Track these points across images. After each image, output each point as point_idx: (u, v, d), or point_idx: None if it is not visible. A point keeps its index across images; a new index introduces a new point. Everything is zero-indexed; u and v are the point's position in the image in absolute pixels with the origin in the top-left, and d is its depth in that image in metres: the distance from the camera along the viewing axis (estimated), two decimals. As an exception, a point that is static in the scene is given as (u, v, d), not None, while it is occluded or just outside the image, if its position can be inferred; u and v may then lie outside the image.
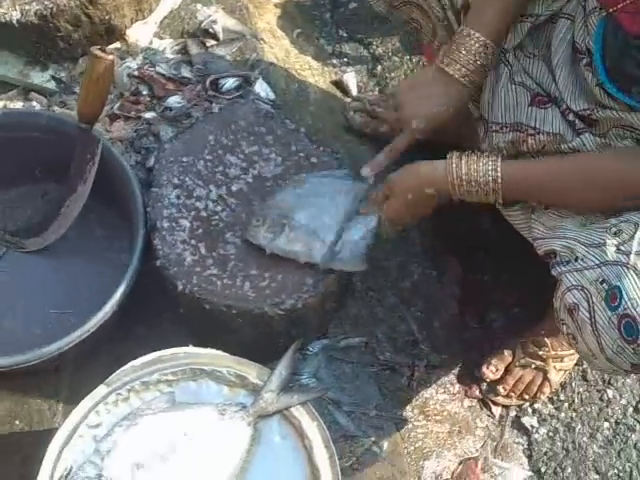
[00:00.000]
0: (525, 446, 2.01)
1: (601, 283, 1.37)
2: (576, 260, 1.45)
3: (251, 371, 1.66)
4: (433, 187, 1.66)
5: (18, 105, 2.25)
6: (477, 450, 1.96)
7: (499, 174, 1.58)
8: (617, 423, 2.04)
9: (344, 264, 1.78)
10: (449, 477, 1.91)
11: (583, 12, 1.53)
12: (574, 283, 1.44)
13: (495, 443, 1.98)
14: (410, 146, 1.79)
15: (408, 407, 1.96)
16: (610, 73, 1.46)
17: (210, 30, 2.43)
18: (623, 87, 1.45)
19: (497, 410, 2.03)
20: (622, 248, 1.38)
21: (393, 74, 2.59)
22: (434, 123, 1.73)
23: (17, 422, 1.86)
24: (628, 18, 1.41)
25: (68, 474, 1.50)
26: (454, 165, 1.62)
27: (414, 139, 1.77)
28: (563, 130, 1.57)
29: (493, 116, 1.69)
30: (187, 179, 1.91)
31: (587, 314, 1.39)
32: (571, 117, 1.58)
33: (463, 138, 2.01)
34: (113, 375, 1.62)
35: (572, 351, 1.97)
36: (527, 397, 2.04)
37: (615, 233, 1.42)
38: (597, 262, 1.41)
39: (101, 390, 1.60)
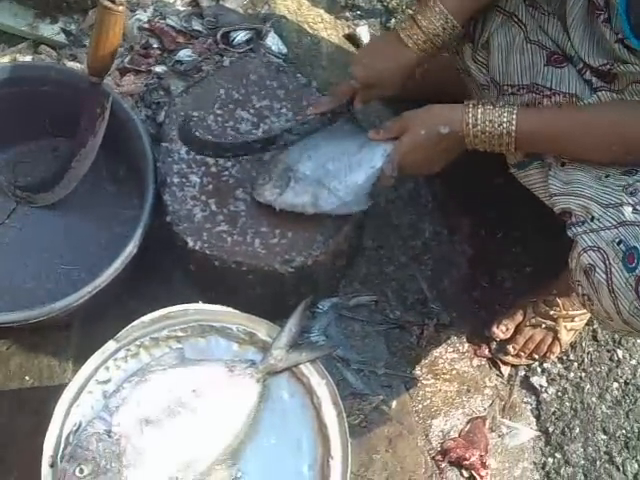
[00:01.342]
0: (533, 406, 2.00)
1: (618, 244, 1.37)
2: (592, 220, 1.44)
3: (260, 328, 1.66)
4: (448, 127, 1.63)
5: (28, 58, 2.24)
6: (485, 409, 1.96)
7: (514, 127, 1.55)
8: (626, 383, 2.04)
9: (350, 207, 1.76)
10: (457, 436, 1.91)
11: None
12: (590, 244, 1.43)
13: (503, 402, 1.98)
14: (350, 94, 1.77)
15: (417, 366, 1.97)
16: (635, 28, 1.43)
17: (221, -20, 2.41)
18: None
19: (506, 370, 2.03)
20: (639, 208, 1.38)
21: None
22: (375, 79, 1.72)
23: (27, 377, 1.87)
24: None
25: (77, 429, 1.51)
26: (470, 114, 1.59)
27: (354, 88, 1.75)
28: (580, 90, 1.56)
29: (508, 78, 1.66)
30: (197, 134, 1.89)
31: (604, 275, 1.39)
32: (588, 75, 1.56)
33: (448, 95, 2.00)
34: (123, 331, 1.62)
35: (583, 311, 1.96)
36: (537, 357, 2.03)
37: (632, 193, 1.42)
38: (614, 223, 1.40)
39: (110, 346, 1.61)
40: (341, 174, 1.74)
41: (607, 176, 1.50)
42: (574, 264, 1.49)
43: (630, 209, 1.39)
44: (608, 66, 1.51)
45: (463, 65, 1.80)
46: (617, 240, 1.37)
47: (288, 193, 1.76)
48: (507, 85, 1.67)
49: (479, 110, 1.58)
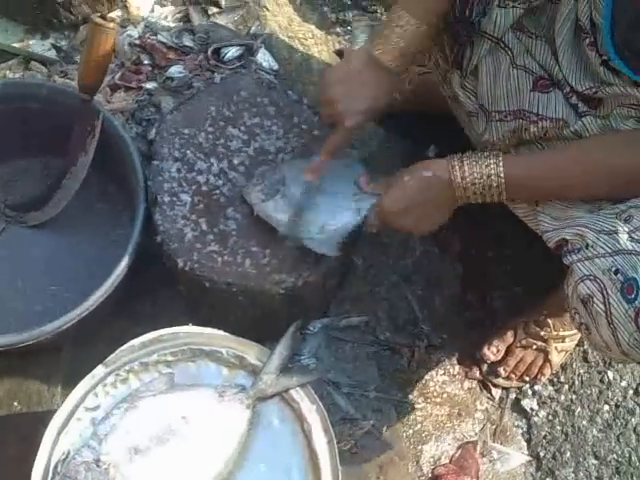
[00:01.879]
0: (524, 429, 2.00)
1: (615, 273, 1.35)
2: (587, 247, 1.43)
3: (250, 351, 1.66)
4: (431, 171, 1.60)
5: (18, 75, 2.24)
6: (476, 434, 1.96)
7: (502, 179, 1.54)
8: (617, 406, 2.04)
9: (317, 246, 1.73)
10: (448, 461, 1.91)
11: None
12: (586, 273, 1.41)
13: (494, 426, 1.98)
14: (346, 144, 1.74)
15: (408, 389, 1.96)
16: (619, 49, 1.43)
17: (212, -4, 2.41)
18: (632, 63, 1.41)
19: (497, 392, 2.02)
20: (635, 236, 1.36)
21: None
22: (369, 117, 1.68)
23: (15, 403, 1.86)
24: None
25: (66, 458, 1.50)
26: (457, 167, 1.57)
27: (349, 137, 1.71)
28: (566, 114, 1.55)
29: (495, 105, 1.65)
30: (188, 152, 1.88)
31: (602, 306, 1.37)
32: (574, 100, 1.55)
33: (438, 108, 2.03)
34: (112, 355, 1.61)
35: (574, 332, 1.97)
36: (527, 379, 2.03)
37: (626, 220, 1.40)
38: (609, 250, 1.38)
39: (99, 370, 1.60)
40: (324, 212, 1.74)
41: (600, 209, 1.49)
42: (570, 292, 1.48)
43: (626, 236, 1.37)
44: (594, 89, 1.51)
45: (451, 92, 1.79)
46: (614, 269, 1.36)
47: (270, 204, 1.75)
48: (495, 112, 1.65)
49: (465, 162, 1.57)
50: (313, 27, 2.52)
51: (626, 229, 1.38)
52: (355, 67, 1.65)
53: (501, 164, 1.54)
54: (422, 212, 1.65)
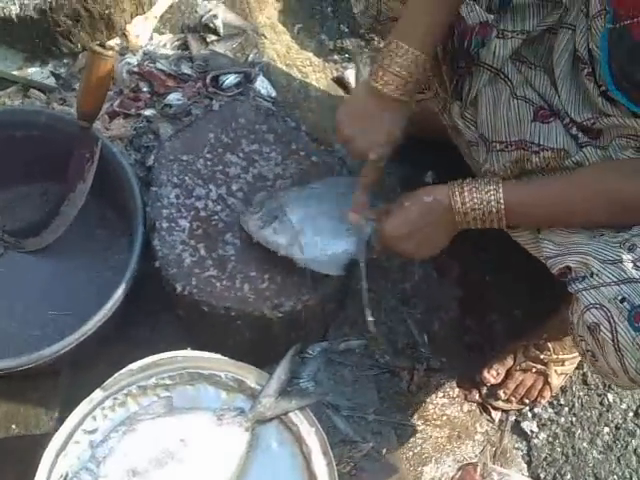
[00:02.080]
0: (524, 451, 2.00)
1: (621, 302, 1.35)
2: (592, 276, 1.43)
3: (249, 375, 1.65)
4: (432, 196, 1.61)
5: (17, 102, 2.24)
6: (476, 455, 1.95)
7: (502, 205, 1.54)
8: (617, 428, 2.03)
9: (319, 267, 1.74)
10: (448, 484, 1.91)
11: (585, 19, 1.48)
12: (592, 302, 1.41)
13: (494, 448, 1.97)
14: (379, 175, 1.73)
15: (407, 411, 1.96)
16: (616, 79, 1.43)
17: (210, 25, 2.42)
18: (630, 94, 1.42)
19: (497, 415, 2.02)
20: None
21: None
22: (390, 147, 1.67)
23: (13, 426, 1.85)
24: (638, 28, 1.37)
25: (64, 481, 1.49)
26: (457, 192, 1.57)
27: (380, 168, 1.71)
28: (567, 145, 1.55)
29: (496, 135, 1.66)
30: (187, 178, 1.89)
31: (609, 334, 1.37)
32: (574, 130, 1.55)
33: (431, 133, 2.07)
34: (110, 379, 1.61)
35: (574, 354, 1.96)
36: (527, 401, 2.03)
37: (629, 248, 1.40)
38: (614, 279, 1.38)
39: (98, 394, 1.60)
40: (325, 235, 1.75)
41: (602, 235, 1.49)
42: (576, 320, 1.47)
43: (631, 265, 1.37)
44: (592, 120, 1.51)
45: (451, 122, 1.79)
46: (620, 297, 1.36)
47: (268, 229, 1.75)
48: (495, 142, 1.66)
49: (465, 188, 1.57)
50: (311, 55, 2.53)
51: (630, 258, 1.39)
52: (363, 102, 1.65)
53: (501, 190, 1.55)
54: (423, 237, 1.66)
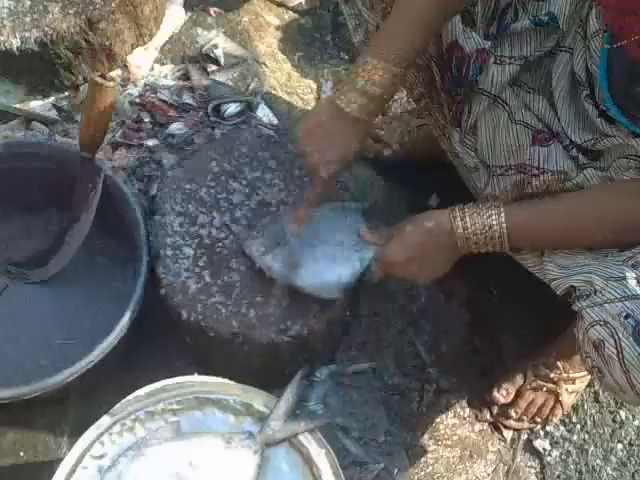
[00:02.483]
0: (538, 470, 1.98)
1: (626, 318, 1.35)
2: (595, 293, 1.43)
3: (257, 398, 1.65)
4: (433, 220, 1.62)
5: (20, 134, 2.25)
6: (489, 474, 1.94)
7: (505, 229, 1.55)
8: (631, 444, 2.02)
9: (318, 293, 1.74)
10: (461, 503, 1.89)
11: (583, 41, 1.49)
12: (596, 319, 1.41)
13: (507, 467, 1.96)
14: (328, 189, 1.73)
15: (418, 432, 1.94)
16: (615, 98, 1.44)
17: (211, 54, 2.44)
18: (629, 113, 1.42)
19: (508, 434, 2.01)
20: None
21: (395, 96, 2.57)
22: (342, 165, 1.66)
23: (22, 453, 1.84)
24: (637, 48, 1.37)
25: (73, 507, 1.48)
26: (458, 218, 1.58)
27: (328, 186, 1.71)
28: (567, 166, 1.55)
29: (496, 160, 1.66)
30: (190, 206, 1.90)
31: (614, 350, 1.37)
32: (574, 152, 1.56)
33: (434, 158, 2.08)
34: (118, 405, 1.60)
35: (584, 373, 1.95)
36: (539, 420, 2.01)
37: (633, 265, 1.41)
38: (618, 296, 1.39)
39: (105, 420, 1.59)
40: (324, 262, 1.75)
41: (605, 255, 1.49)
42: (582, 337, 1.47)
43: (634, 282, 1.38)
44: (592, 141, 1.52)
45: (451, 149, 1.80)
46: (624, 314, 1.36)
47: (269, 255, 1.76)
48: (496, 166, 1.66)
49: (467, 213, 1.58)
50: (311, 82, 2.55)
51: (634, 275, 1.39)
52: (321, 117, 1.64)
53: (503, 214, 1.55)
54: (424, 262, 1.66)
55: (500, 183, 1.65)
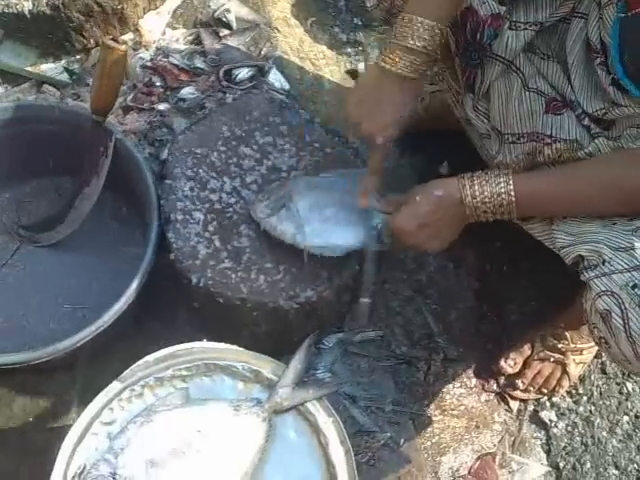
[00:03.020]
0: (543, 441, 1.99)
1: (633, 288, 1.36)
2: (604, 263, 1.43)
3: (266, 366, 1.65)
4: (442, 189, 1.61)
5: (31, 97, 2.25)
6: (495, 445, 1.94)
7: (513, 198, 1.55)
8: (637, 417, 2.02)
9: (321, 250, 1.75)
10: (466, 473, 1.89)
11: (597, 8, 1.48)
12: (603, 289, 1.41)
13: (513, 438, 1.97)
14: (386, 159, 1.73)
15: (425, 402, 1.95)
16: (628, 69, 1.43)
17: (223, 19, 2.43)
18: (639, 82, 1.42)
19: (515, 404, 2.01)
20: None
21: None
22: (398, 129, 1.66)
23: (31, 419, 1.85)
24: None
25: (82, 472, 1.49)
26: (467, 186, 1.58)
27: (386, 151, 1.71)
28: (579, 136, 1.55)
29: (509, 127, 1.65)
30: (201, 171, 1.90)
31: (620, 321, 1.37)
32: (586, 121, 1.55)
33: (449, 126, 2.05)
34: (127, 371, 1.61)
35: (591, 344, 1.95)
36: (545, 391, 2.01)
37: None
38: (626, 266, 1.39)
39: (115, 386, 1.59)
40: (332, 223, 1.76)
41: (614, 223, 1.49)
42: (589, 307, 1.48)
43: None
44: (604, 110, 1.51)
45: (464, 114, 1.79)
46: (631, 284, 1.36)
47: (275, 217, 1.76)
48: (508, 134, 1.65)
49: (475, 181, 1.58)
50: (324, 48, 2.53)
51: None
52: (371, 85, 1.65)
53: (511, 183, 1.55)
54: (433, 230, 1.66)
55: (512, 151, 1.65)
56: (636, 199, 1.46)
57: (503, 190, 1.55)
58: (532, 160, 1.62)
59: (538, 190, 1.58)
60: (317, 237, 1.74)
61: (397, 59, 1.56)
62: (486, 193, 1.56)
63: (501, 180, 1.55)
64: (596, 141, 1.53)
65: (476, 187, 1.57)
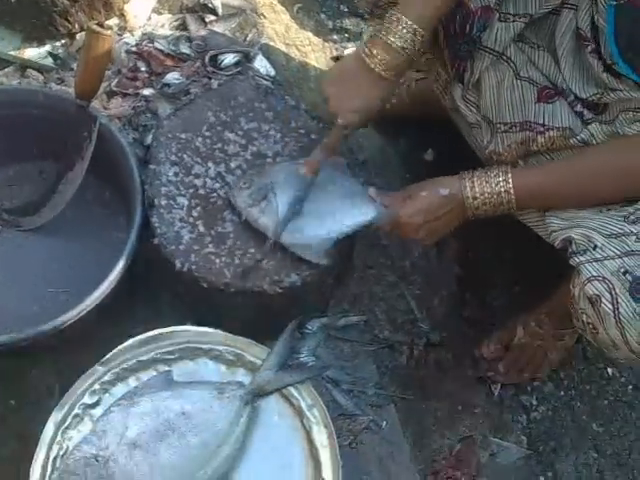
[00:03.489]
0: (524, 424, 2.00)
1: (624, 274, 1.37)
2: (594, 249, 1.45)
3: (249, 349, 1.66)
4: (448, 189, 1.63)
5: (15, 82, 2.24)
6: (476, 428, 1.96)
7: (513, 196, 1.58)
8: (617, 401, 2.04)
9: (304, 253, 1.74)
10: (447, 455, 1.91)
11: None
12: (594, 274, 1.43)
13: (494, 422, 1.98)
14: (341, 139, 1.74)
15: (407, 385, 1.96)
16: (623, 52, 1.44)
17: (209, 5, 2.42)
18: (636, 66, 1.43)
19: (496, 388, 2.02)
20: None
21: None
22: (361, 117, 1.67)
23: (12, 402, 1.84)
24: None
25: (64, 454, 1.50)
26: (468, 188, 1.61)
27: (345, 133, 1.71)
28: (572, 123, 1.56)
29: (500, 117, 1.66)
30: (185, 156, 1.89)
31: (610, 306, 1.39)
32: (579, 107, 1.56)
33: (434, 114, 2.06)
34: (110, 354, 1.62)
35: (573, 329, 1.96)
36: (526, 375, 2.03)
37: (633, 221, 1.43)
38: (618, 252, 1.41)
39: (98, 369, 1.60)
40: (312, 219, 1.74)
41: (608, 209, 1.51)
42: (577, 292, 1.49)
43: (634, 238, 1.40)
44: (598, 95, 1.52)
45: (452, 105, 1.80)
46: (622, 270, 1.38)
47: (256, 208, 1.76)
48: (500, 123, 1.67)
49: (476, 182, 1.60)
50: (310, 34, 2.54)
51: (634, 230, 1.42)
52: (349, 67, 1.66)
53: (510, 181, 1.58)
54: (435, 226, 1.69)
55: (504, 140, 1.66)
56: (634, 184, 1.48)
57: (502, 189, 1.58)
58: (525, 149, 1.64)
59: (537, 186, 1.60)
60: (298, 233, 1.73)
61: (375, 53, 1.57)
62: (486, 194, 1.60)
63: (500, 179, 1.58)
64: (589, 127, 1.55)
65: (477, 188, 1.60)
